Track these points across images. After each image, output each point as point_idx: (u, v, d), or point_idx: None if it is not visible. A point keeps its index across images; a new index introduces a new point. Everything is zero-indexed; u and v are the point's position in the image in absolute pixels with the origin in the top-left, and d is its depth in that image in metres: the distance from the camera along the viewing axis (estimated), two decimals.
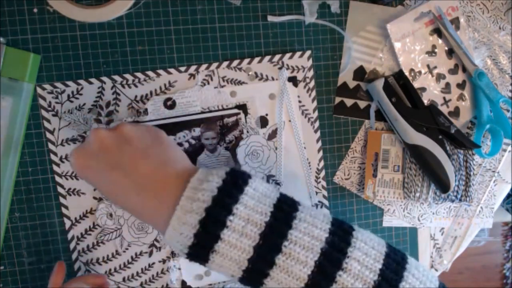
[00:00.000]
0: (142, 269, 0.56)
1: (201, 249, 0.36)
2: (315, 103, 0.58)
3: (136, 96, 0.53)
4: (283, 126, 0.57)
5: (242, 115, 0.56)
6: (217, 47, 0.55)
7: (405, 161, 0.59)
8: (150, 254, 0.56)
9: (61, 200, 0.53)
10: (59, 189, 0.53)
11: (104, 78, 0.52)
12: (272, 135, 0.57)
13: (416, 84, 0.59)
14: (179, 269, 0.56)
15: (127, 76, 0.53)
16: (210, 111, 0.55)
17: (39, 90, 0.52)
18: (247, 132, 0.56)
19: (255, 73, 0.56)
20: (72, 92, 0.52)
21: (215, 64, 0.55)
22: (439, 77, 0.60)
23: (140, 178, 0.38)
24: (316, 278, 0.35)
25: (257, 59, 0.55)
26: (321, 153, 0.58)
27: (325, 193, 0.59)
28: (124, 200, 0.39)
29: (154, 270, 0.56)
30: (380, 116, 0.59)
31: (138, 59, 0.53)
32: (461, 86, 0.61)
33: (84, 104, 0.52)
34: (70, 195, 0.53)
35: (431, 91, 0.60)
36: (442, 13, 0.58)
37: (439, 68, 0.60)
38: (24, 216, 0.53)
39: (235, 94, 0.55)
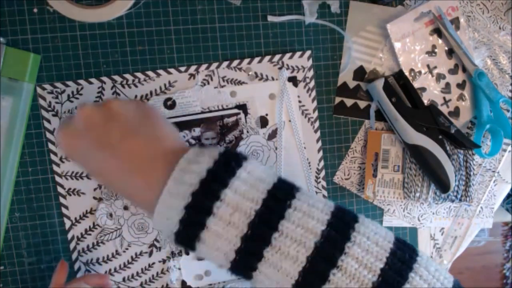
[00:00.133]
0: (142, 269, 0.56)
1: (186, 237, 0.33)
2: (315, 103, 0.58)
3: (136, 96, 0.53)
4: (283, 126, 0.57)
5: (242, 115, 0.56)
6: (217, 47, 0.55)
7: (405, 161, 0.59)
8: (150, 254, 0.56)
9: (61, 200, 0.53)
10: (59, 189, 0.53)
11: (104, 78, 0.52)
12: (272, 135, 0.57)
13: (416, 84, 0.59)
14: (179, 269, 0.56)
15: (127, 76, 0.53)
16: (210, 111, 0.55)
17: (39, 90, 0.52)
18: (247, 132, 0.56)
19: (255, 73, 0.56)
20: (72, 92, 0.52)
21: (215, 64, 0.55)
22: (439, 77, 0.60)
23: (127, 157, 0.36)
24: (308, 276, 0.32)
25: (257, 59, 0.55)
26: (321, 153, 0.58)
27: (325, 193, 0.59)
28: (112, 181, 0.37)
29: (154, 270, 0.56)
30: (380, 116, 0.59)
31: (138, 59, 0.53)
32: (461, 86, 0.61)
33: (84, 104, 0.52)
34: (70, 195, 0.53)
35: (431, 91, 0.60)
36: (442, 13, 0.58)
37: (439, 68, 0.60)
38: (24, 216, 0.53)
39: (235, 94, 0.55)
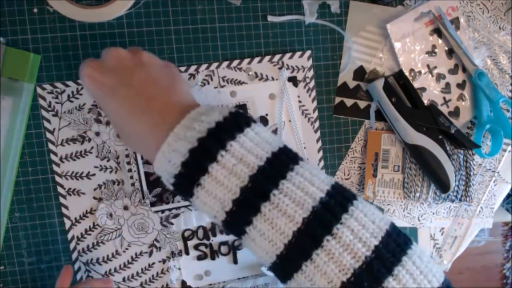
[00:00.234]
0: (142, 269, 0.56)
1: (186, 180, 0.34)
2: (315, 103, 0.58)
3: None
4: (283, 126, 0.57)
5: None
6: (217, 47, 0.55)
7: (405, 161, 0.59)
8: (150, 254, 0.56)
9: (61, 200, 0.53)
10: (59, 189, 0.53)
11: None
12: None
13: (416, 84, 0.59)
14: (179, 269, 0.56)
15: None
16: None
17: (39, 90, 0.52)
18: None
19: (255, 73, 0.56)
20: (72, 92, 0.52)
21: (215, 64, 0.55)
22: (439, 77, 0.60)
23: (145, 100, 0.37)
24: (301, 237, 0.32)
25: (257, 59, 0.55)
26: (321, 153, 0.58)
27: None
28: (125, 121, 0.38)
29: (154, 270, 0.56)
30: (380, 116, 0.59)
31: None
32: (461, 86, 0.61)
33: (84, 104, 0.52)
34: (70, 195, 0.53)
35: (431, 91, 0.60)
36: (442, 13, 0.58)
37: (439, 68, 0.60)
38: (24, 216, 0.53)
39: (235, 94, 0.55)
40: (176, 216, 0.56)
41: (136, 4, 0.52)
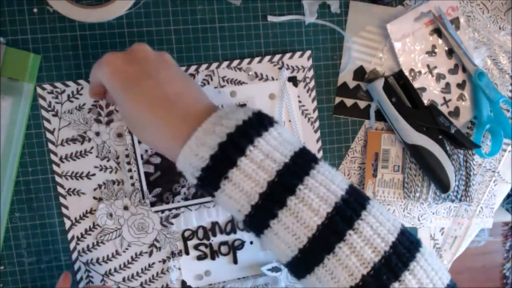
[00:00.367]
0: (142, 269, 0.56)
1: (214, 173, 0.34)
2: (315, 103, 0.58)
3: None
4: (283, 126, 0.57)
5: None
6: (217, 47, 0.55)
7: (405, 161, 0.59)
8: (150, 254, 0.56)
9: (61, 200, 0.53)
10: (59, 189, 0.53)
11: None
12: None
13: (416, 84, 0.59)
14: (179, 269, 0.56)
15: None
16: None
17: (39, 90, 0.52)
18: None
19: (255, 73, 0.56)
20: (72, 92, 0.52)
21: (215, 64, 0.55)
22: (439, 77, 0.60)
23: (172, 93, 0.37)
24: (325, 230, 0.33)
25: (257, 59, 0.55)
26: (321, 153, 0.58)
27: None
28: (144, 113, 0.37)
29: (154, 270, 0.56)
30: (380, 116, 0.59)
31: None
32: (461, 86, 0.61)
33: (84, 104, 0.52)
34: (70, 195, 0.53)
35: (431, 91, 0.60)
36: (442, 13, 0.58)
37: (439, 68, 0.60)
38: (24, 216, 0.53)
39: (235, 94, 0.55)
40: (176, 216, 0.56)
41: (136, 4, 0.52)
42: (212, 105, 0.39)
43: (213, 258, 0.57)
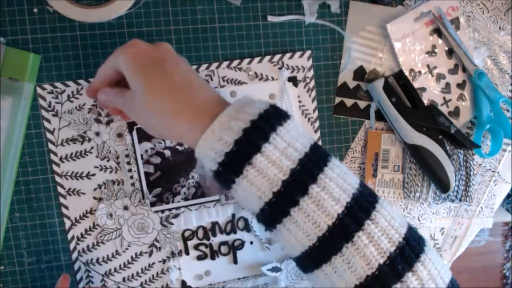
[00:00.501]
0: (142, 269, 0.56)
1: (238, 157, 0.34)
2: (315, 103, 0.58)
3: None
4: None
5: None
6: (217, 47, 0.55)
7: (405, 161, 0.59)
8: (150, 254, 0.56)
9: (61, 200, 0.53)
10: (59, 189, 0.53)
11: None
12: None
13: (416, 84, 0.59)
14: (179, 269, 0.56)
15: None
16: None
17: (39, 90, 0.52)
18: None
19: (255, 73, 0.56)
20: (72, 92, 0.52)
21: (215, 64, 0.55)
22: (439, 77, 0.60)
23: (190, 83, 0.38)
24: (345, 218, 0.34)
25: (257, 59, 0.55)
26: None
27: None
28: (166, 95, 0.37)
29: (154, 270, 0.56)
30: (380, 116, 0.59)
31: None
32: (461, 86, 0.61)
33: (84, 104, 0.52)
34: (70, 195, 0.53)
35: (431, 91, 0.60)
36: (442, 13, 0.58)
37: (439, 68, 0.60)
38: (24, 216, 0.53)
39: (235, 94, 0.55)
40: (176, 216, 0.56)
41: (136, 4, 0.52)
42: (227, 101, 0.39)
43: (213, 258, 0.57)
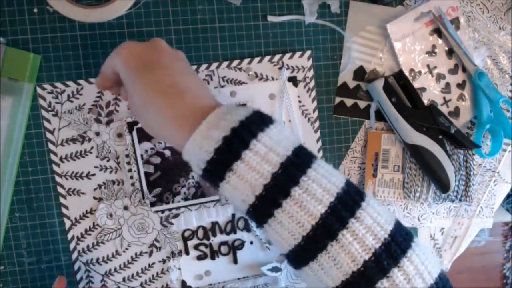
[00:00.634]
0: (142, 269, 0.56)
1: (219, 165, 0.35)
2: (315, 103, 0.58)
3: None
4: (283, 125, 0.57)
5: None
6: (217, 47, 0.55)
7: (405, 161, 0.59)
8: (150, 254, 0.56)
9: (61, 200, 0.53)
10: (59, 189, 0.53)
11: None
12: None
13: (416, 84, 0.59)
14: (179, 269, 0.56)
15: None
16: None
17: (39, 90, 0.52)
18: None
19: (255, 73, 0.56)
20: (72, 92, 0.52)
21: (215, 64, 0.55)
22: (439, 77, 0.60)
23: (183, 84, 0.39)
24: (328, 218, 0.35)
25: (257, 59, 0.55)
26: (321, 153, 0.58)
27: None
28: (157, 99, 0.38)
29: (154, 270, 0.56)
30: (380, 116, 0.59)
31: None
32: (461, 86, 0.61)
33: (84, 104, 0.52)
34: (70, 195, 0.53)
35: (431, 91, 0.60)
36: (442, 13, 0.58)
37: (439, 68, 0.60)
38: (24, 216, 0.53)
39: (235, 94, 0.55)
40: (176, 216, 0.56)
41: (136, 4, 0.52)
42: (217, 101, 0.40)
43: (213, 258, 0.57)
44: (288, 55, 0.56)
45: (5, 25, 0.50)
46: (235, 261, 0.57)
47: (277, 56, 0.56)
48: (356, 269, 0.35)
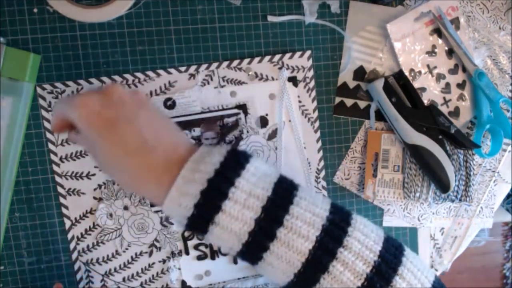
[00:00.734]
0: (142, 269, 0.56)
1: (201, 220, 0.35)
2: (315, 103, 0.58)
3: None
4: (283, 126, 0.57)
5: (242, 115, 0.56)
6: (217, 47, 0.55)
7: (405, 161, 0.59)
8: (150, 254, 0.56)
9: (61, 200, 0.53)
10: (59, 189, 0.53)
11: (104, 78, 0.52)
12: (272, 135, 0.57)
13: (416, 84, 0.59)
14: (179, 269, 0.56)
15: (127, 76, 0.53)
16: (210, 111, 0.55)
17: (39, 90, 0.52)
18: (247, 132, 0.56)
19: (255, 73, 0.56)
20: (72, 92, 0.52)
21: (215, 64, 0.55)
22: (439, 77, 0.60)
23: (152, 137, 0.37)
24: (317, 252, 0.35)
25: (257, 59, 0.55)
26: (321, 153, 0.58)
27: (325, 193, 0.59)
28: (121, 160, 0.36)
29: (154, 270, 0.56)
30: (380, 116, 0.59)
31: (138, 59, 0.53)
32: (461, 86, 0.61)
33: None
34: (70, 195, 0.53)
35: (431, 91, 0.60)
36: (442, 13, 0.58)
37: (439, 68, 0.60)
38: (24, 216, 0.53)
39: (235, 94, 0.55)
40: None
41: (136, 4, 0.52)
42: (191, 145, 0.39)
43: (213, 258, 0.57)
44: (288, 55, 0.56)
45: (5, 25, 0.50)
46: (235, 261, 0.57)
47: (277, 56, 0.56)
48: None
